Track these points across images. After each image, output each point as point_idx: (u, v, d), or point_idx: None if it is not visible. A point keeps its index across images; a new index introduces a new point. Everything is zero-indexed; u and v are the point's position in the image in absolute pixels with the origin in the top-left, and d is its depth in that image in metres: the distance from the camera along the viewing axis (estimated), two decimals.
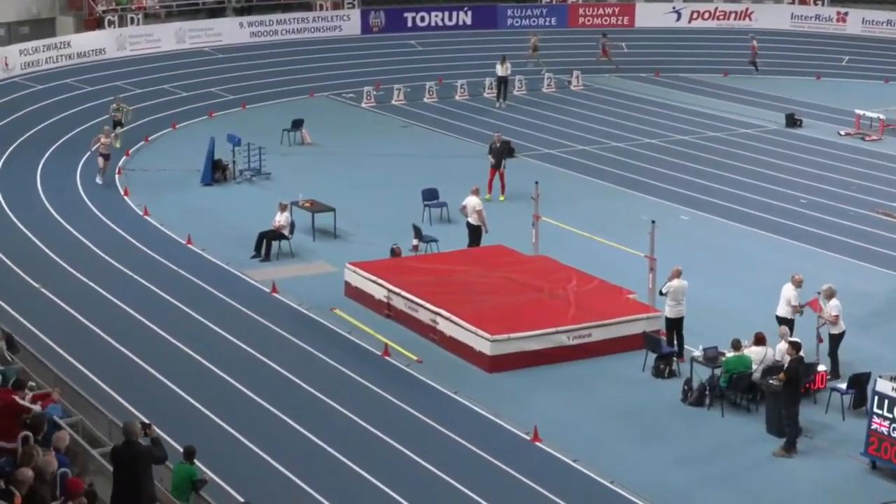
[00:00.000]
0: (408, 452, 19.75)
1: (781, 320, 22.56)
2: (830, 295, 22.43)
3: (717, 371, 21.67)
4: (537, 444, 20.13)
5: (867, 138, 41.43)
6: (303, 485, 18.62)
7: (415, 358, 23.64)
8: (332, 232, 30.85)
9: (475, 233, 28.91)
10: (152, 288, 27.02)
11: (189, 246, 29.27)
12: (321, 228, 30.84)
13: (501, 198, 33.45)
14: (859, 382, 21.24)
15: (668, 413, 21.47)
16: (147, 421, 16.57)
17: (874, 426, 19.14)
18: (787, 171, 37.38)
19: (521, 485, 18.79)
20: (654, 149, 40.24)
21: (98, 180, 34.36)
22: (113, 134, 35.45)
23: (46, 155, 37.80)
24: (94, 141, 34.80)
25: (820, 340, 22.40)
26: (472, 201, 28.99)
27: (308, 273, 27.75)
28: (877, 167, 38.14)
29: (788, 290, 22.86)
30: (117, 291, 26.74)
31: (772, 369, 20.98)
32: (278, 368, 23.01)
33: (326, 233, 30.84)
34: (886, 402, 18.96)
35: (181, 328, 24.79)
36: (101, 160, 34.39)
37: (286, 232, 29.27)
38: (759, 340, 21.84)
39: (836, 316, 22.20)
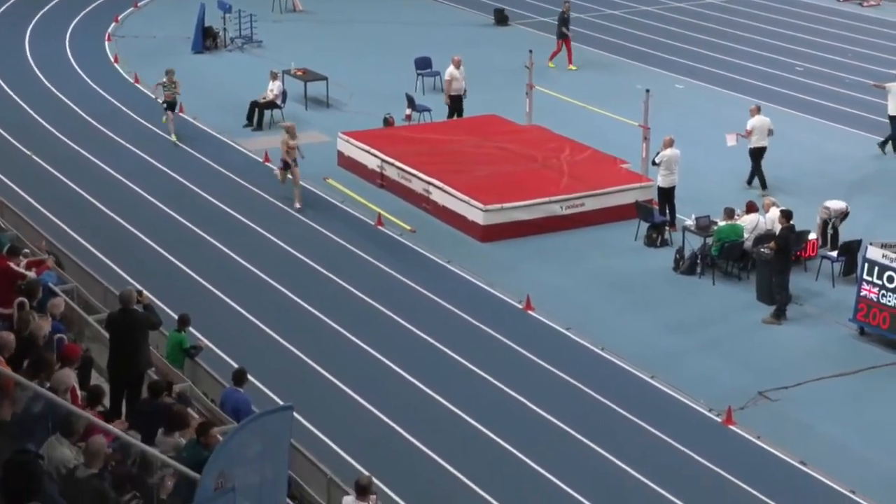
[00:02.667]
0: (400, 321, 19.95)
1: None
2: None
3: (709, 240, 21.79)
4: (529, 312, 20.33)
5: (865, 4, 40.97)
6: (296, 351, 18.84)
7: (408, 227, 23.72)
8: (324, 101, 30.67)
9: (455, 104, 28.60)
10: (144, 156, 26.97)
11: (180, 114, 29.09)
12: (313, 97, 30.65)
13: (572, 66, 33.30)
14: (850, 250, 21.40)
15: (660, 282, 21.65)
16: (139, 288, 16.69)
17: (863, 293, 19.34)
18: (783, 39, 37.06)
19: (514, 352, 19.03)
20: (650, 16, 39.81)
21: (171, 137, 27.79)
22: (164, 117, 27.94)
23: (33, 22, 37.36)
24: (155, 88, 28.72)
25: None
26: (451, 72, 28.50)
27: (300, 142, 27.60)
28: (875, 34, 37.80)
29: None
30: (110, 160, 26.70)
31: (763, 238, 21.10)
32: (270, 237, 23.10)
33: (319, 102, 30.66)
34: (876, 268, 19.13)
35: (173, 197, 24.81)
36: (169, 114, 27.88)
37: (278, 101, 29.09)
38: (751, 209, 21.93)
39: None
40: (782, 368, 18.54)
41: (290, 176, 24.27)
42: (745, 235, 21.51)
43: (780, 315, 20.06)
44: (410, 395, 17.76)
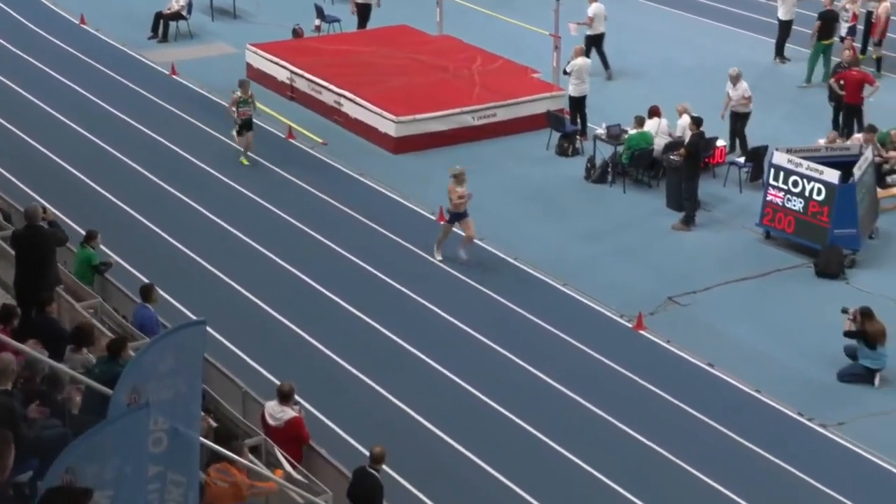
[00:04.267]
0: (312, 233, 19.91)
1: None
2: (737, 77, 22.62)
3: (620, 148, 21.97)
4: (442, 223, 20.39)
5: None
6: (206, 264, 18.74)
7: (319, 140, 23.58)
8: (231, 12, 30.18)
9: (363, 13, 28.32)
10: (46, 70, 26.40)
11: (83, 26, 28.43)
12: (220, 8, 30.14)
13: None
14: (756, 155, 21.73)
15: (572, 190, 21.83)
16: (44, 203, 16.43)
17: (769, 198, 19.70)
18: None
19: (426, 262, 19.11)
20: None
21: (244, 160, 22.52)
22: (236, 132, 22.26)
23: None
24: (231, 106, 22.35)
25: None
26: None
27: (208, 55, 27.23)
28: None
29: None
30: (10, 73, 26.06)
31: (673, 145, 21.33)
32: (176, 149, 22.84)
33: (226, 13, 30.16)
34: (782, 173, 19.47)
35: (78, 110, 24.36)
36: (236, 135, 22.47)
37: (184, 12, 28.54)
38: (654, 113, 22.09)
39: (748, 98, 22.48)
40: (691, 273, 18.88)
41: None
42: (655, 143, 21.72)
43: (689, 221, 20.37)
44: (322, 305, 17.81)
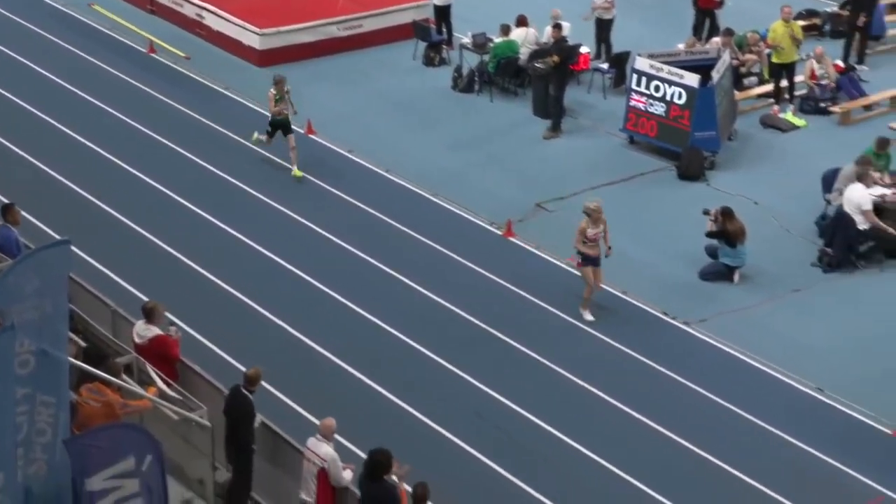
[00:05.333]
0: (178, 148, 19.66)
1: None
2: None
3: (486, 57, 22.04)
4: (311, 136, 20.30)
5: None
6: (70, 183, 18.41)
7: (182, 54, 23.15)
8: None
9: None
10: None
11: None
12: None
13: None
14: (620, 61, 22.01)
15: (440, 100, 21.88)
16: None
17: (632, 103, 20.02)
18: None
19: (290, 173, 19.05)
20: None
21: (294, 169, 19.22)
22: (257, 136, 19.43)
23: None
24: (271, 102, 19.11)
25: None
26: None
27: None
28: None
29: None
30: None
31: (538, 53, 21.47)
32: (39, 69, 22.23)
33: None
34: (644, 79, 19.78)
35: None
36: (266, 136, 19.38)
37: None
38: (521, 22, 22.18)
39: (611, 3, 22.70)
40: (558, 180, 19.15)
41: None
42: (521, 51, 21.82)
43: (556, 128, 20.61)
44: (188, 218, 17.68)
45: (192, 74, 22.38)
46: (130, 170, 18.95)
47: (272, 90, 18.94)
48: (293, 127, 19.07)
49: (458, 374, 14.60)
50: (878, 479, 13.04)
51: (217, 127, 20.44)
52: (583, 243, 15.58)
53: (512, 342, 15.24)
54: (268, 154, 19.53)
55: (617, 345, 15.28)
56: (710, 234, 16.85)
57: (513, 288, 16.37)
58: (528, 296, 16.23)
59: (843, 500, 12.83)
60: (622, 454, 13.32)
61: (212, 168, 19.14)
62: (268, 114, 19.21)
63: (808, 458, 13.41)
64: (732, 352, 15.20)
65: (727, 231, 16.70)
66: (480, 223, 17.96)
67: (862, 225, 16.91)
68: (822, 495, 12.87)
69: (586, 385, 14.48)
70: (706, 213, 16.91)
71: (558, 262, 16.99)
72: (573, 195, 18.63)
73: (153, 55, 23.01)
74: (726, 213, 16.74)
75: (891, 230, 17.03)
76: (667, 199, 18.75)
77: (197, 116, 20.76)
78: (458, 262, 16.94)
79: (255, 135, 19.27)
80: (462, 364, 14.73)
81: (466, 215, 18.14)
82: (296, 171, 18.89)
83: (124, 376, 11.09)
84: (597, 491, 12.90)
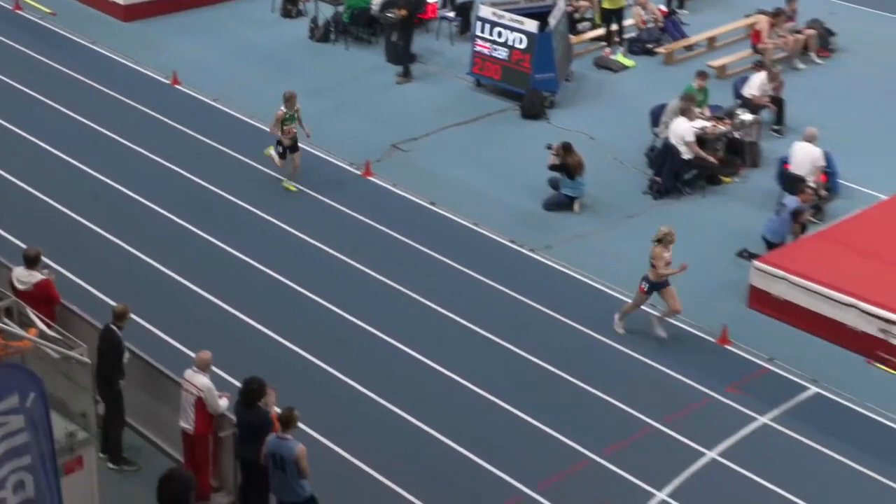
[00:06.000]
0: (48, 101, 19.10)
1: None
2: None
3: (340, 8, 21.88)
4: (177, 86, 19.94)
5: None
6: None
7: (48, 10, 22.41)
8: None
9: None
10: None
11: None
12: None
13: None
14: (465, 10, 22.07)
15: (298, 50, 21.67)
16: None
17: (477, 48, 20.12)
18: None
19: (164, 125, 18.72)
20: None
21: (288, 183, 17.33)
22: (278, 153, 17.07)
23: None
24: (275, 123, 17.01)
25: None
26: None
27: None
28: None
29: None
30: None
31: (388, 3, 21.37)
32: None
33: None
34: (487, 26, 19.88)
35: None
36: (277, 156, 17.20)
37: None
38: None
39: None
40: (411, 122, 19.19)
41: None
42: (372, 2, 21.71)
43: (406, 74, 20.61)
44: (66, 172, 17.27)
45: (58, 30, 21.71)
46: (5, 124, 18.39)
47: (282, 108, 16.43)
48: (300, 144, 16.87)
49: (314, 300, 14.66)
50: (704, 383, 13.55)
51: (85, 80, 19.92)
52: (656, 269, 13.91)
53: (371, 272, 15.31)
54: (137, 104, 19.14)
55: (468, 271, 15.46)
56: (551, 168, 17.12)
57: (371, 223, 16.42)
58: (386, 229, 16.29)
59: (673, 401, 13.30)
60: (473, 368, 13.56)
61: (80, 118, 18.69)
62: (267, 130, 16.97)
63: (642, 366, 13.85)
64: (576, 275, 15.53)
65: (567, 164, 16.99)
66: (341, 164, 17.93)
67: (686, 155, 17.38)
68: (654, 398, 13.31)
69: (443, 310, 14.66)
70: (548, 147, 17.17)
71: (414, 198, 17.07)
72: (425, 136, 18.72)
73: (19, 12, 22.22)
74: (566, 148, 17.02)
75: (711, 159, 17.57)
76: (511, 137, 18.96)
77: (65, 70, 20.18)
78: (322, 202, 16.89)
79: (269, 150, 16.86)
80: (320, 293, 14.78)
81: (328, 157, 18.08)
82: (290, 186, 16.87)
83: (5, 319, 10.87)
84: (449, 403, 13.13)
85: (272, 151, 16.90)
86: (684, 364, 13.82)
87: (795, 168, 16.63)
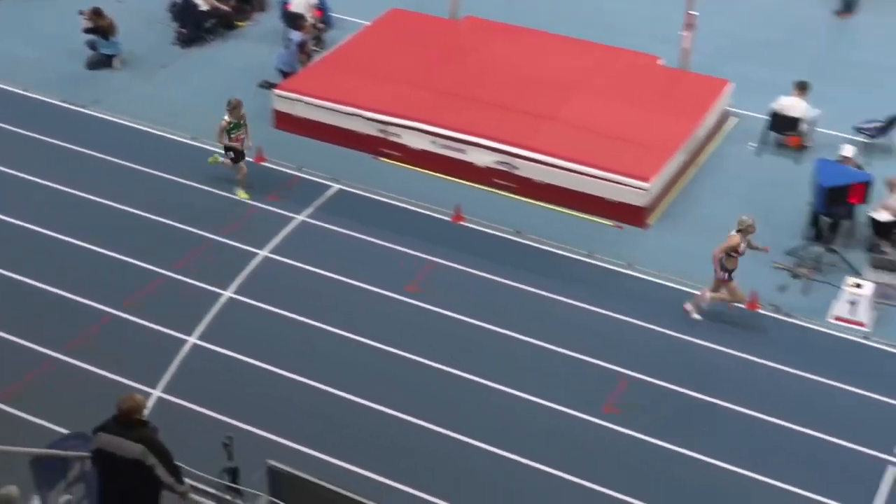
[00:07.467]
0: None
1: None
2: None
3: None
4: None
5: None
6: None
7: None
8: None
9: None
10: None
11: None
12: None
13: None
14: None
15: None
16: None
17: None
18: None
19: None
20: None
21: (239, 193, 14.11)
22: (217, 158, 14.13)
23: None
24: (221, 131, 13.81)
25: None
26: None
27: None
28: None
29: None
30: None
31: None
32: None
33: None
34: None
35: None
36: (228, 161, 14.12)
37: None
38: None
39: None
40: None
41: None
42: None
43: None
44: None
45: None
46: None
47: (226, 118, 13.63)
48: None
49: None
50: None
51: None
52: (728, 257, 11.63)
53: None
54: None
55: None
56: (87, 31, 16.44)
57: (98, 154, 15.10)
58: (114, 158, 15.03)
59: (223, 216, 13.64)
60: None
61: None
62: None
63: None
64: (130, 124, 15.18)
65: (100, 26, 16.41)
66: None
67: (203, 7, 17.29)
68: (209, 217, 13.61)
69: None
70: (81, 13, 16.41)
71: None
72: None
73: None
74: (96, 13, 16.40)
75: (225, 7, 17.59)
76: (51, 10, 17.80)
77: None
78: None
79: (216, 157, 14.07)
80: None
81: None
82: (242, 193, 13.95)
83: None
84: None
85: (219, 158, 14.05)
86: (226, 188, 14.10)
87: (295, 7, 17.09)
